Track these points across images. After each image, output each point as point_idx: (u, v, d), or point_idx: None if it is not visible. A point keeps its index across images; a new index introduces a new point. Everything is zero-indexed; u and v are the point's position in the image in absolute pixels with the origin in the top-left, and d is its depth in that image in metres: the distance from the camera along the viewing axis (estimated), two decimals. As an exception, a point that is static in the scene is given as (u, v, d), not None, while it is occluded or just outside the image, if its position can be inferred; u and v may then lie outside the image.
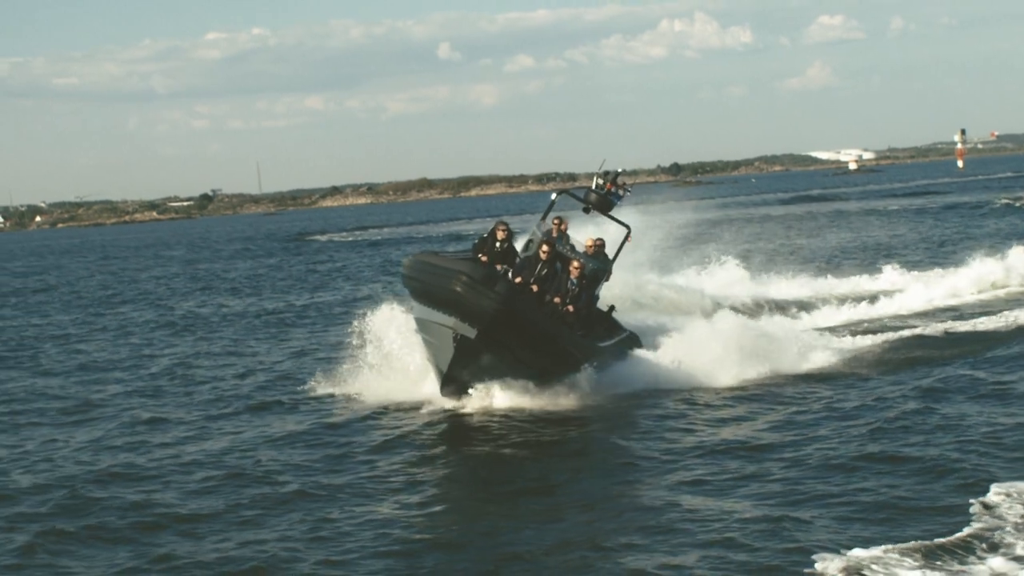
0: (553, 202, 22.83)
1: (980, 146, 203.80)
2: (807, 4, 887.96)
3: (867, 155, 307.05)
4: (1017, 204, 71.90)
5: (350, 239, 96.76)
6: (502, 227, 21.07)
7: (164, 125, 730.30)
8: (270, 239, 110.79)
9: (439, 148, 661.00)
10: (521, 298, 19.10)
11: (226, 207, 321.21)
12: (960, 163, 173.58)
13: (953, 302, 30.18)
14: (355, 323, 22.89)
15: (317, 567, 12.56)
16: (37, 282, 66.55)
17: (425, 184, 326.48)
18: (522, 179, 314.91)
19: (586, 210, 22.61)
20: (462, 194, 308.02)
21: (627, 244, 22.69)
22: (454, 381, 19.39)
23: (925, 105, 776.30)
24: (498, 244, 21.02)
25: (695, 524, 12.99)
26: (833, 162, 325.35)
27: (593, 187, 22.29)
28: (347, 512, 14.40)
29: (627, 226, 22.57)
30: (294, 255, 77.45)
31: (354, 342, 22.49)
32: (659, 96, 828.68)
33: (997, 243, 38.79)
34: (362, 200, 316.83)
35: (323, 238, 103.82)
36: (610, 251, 22.30)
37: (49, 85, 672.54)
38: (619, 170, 22.47)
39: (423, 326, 19.79)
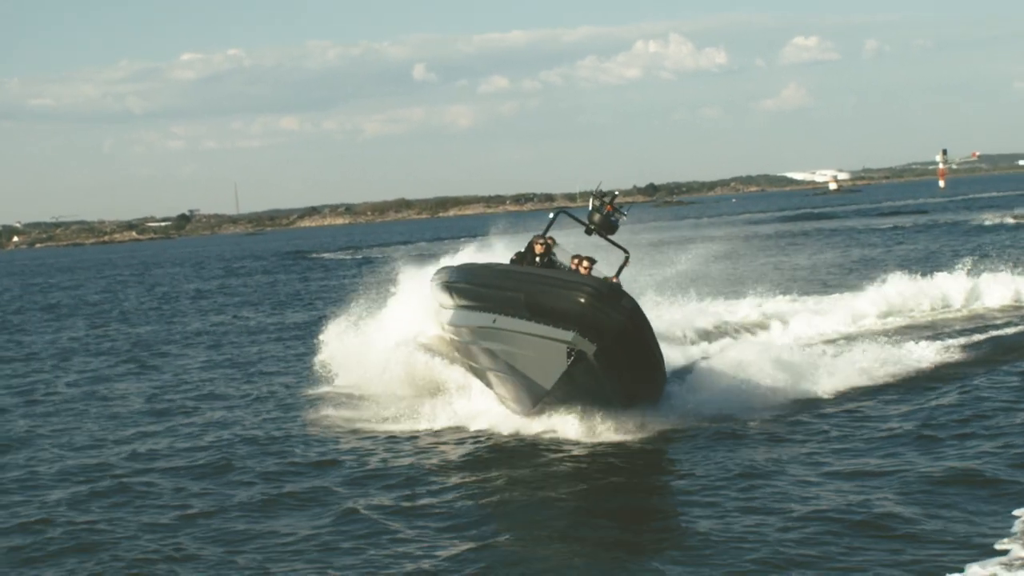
0: (552, 221, 22.13)
1: (955, 166, 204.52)
2: (782, 25, 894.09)
3: (842, 176, 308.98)
4: (1011, 222, 73.30)
5: (350, 257, 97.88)
6: (540, 241, 20.68)
7: (140, 146, 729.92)
8: (276, 256, 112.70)
9: (416, 169, 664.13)
10: (645, 318, 18.15)
11: (204, 227, 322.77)
12: (942, 183, 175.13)
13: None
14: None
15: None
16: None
17: (403, 204, 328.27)
18: (499, 199, 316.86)
19: (588, 231, 21.61)
20: (440, 214, 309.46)
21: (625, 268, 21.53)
22: (552, 397, 18.29)
23: (899, 126, 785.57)
24: (537, 259, 20.55)
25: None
26: (808, 183, 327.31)
27: (590, 208, 21.54)
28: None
29: (625, 250, 21.56)
30: (310, 270, 79.16)
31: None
32: (634, 117, 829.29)
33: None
34: (340, 220, 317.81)
35: (328, 256, 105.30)
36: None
37: (25, 106, 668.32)
38: (616, 192, 21.69)
39: (494, 336, 18.73)
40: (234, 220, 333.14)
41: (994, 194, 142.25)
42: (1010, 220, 75.07)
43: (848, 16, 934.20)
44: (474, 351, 20.04)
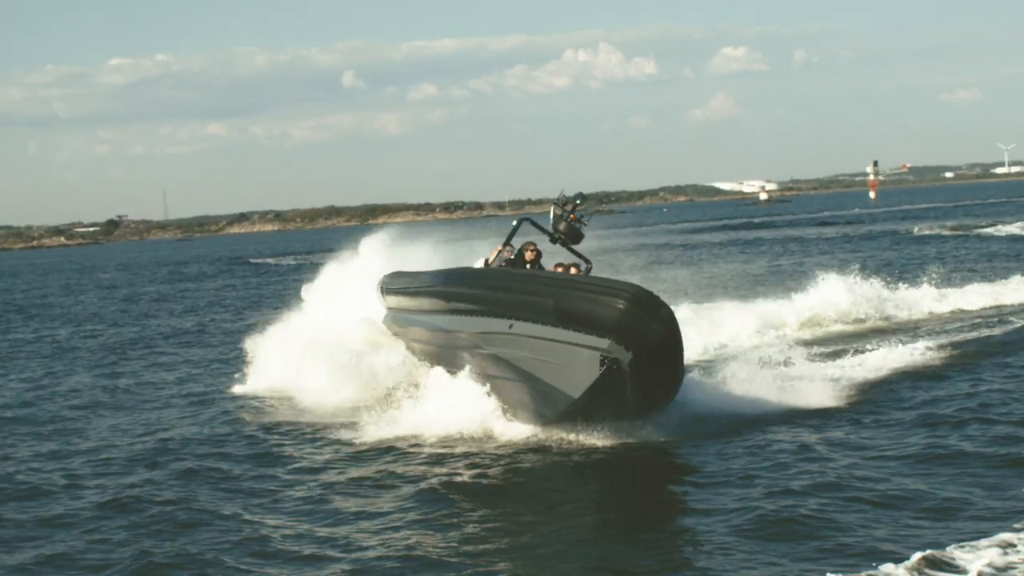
0: (515, 229, 21.61)
1: (882, 178, 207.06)
2: (711, 36, 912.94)
3: (770, 186, 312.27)
4: (945, 233, 74.93)
5: (296, 262, 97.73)
6: (531, 247, 20.37)
7: (66, 151, 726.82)
8: (221, 261, 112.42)
9: (345, 176, 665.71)
10: (679, 327, 17.52)
11: (132, 233, 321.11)
12: (872, 194, 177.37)
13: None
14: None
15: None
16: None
17: (333, 212, 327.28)
18: (429, 207, 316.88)
19: (553, 240, 21.27)
20: (370, 221, 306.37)
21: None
22: (579, 408, 17.51)
23: (827, 137, 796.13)
24: (527, 266, 20.29)
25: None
26: (737, 192, 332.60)
27: (552, 217, 21.20)
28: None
29: (588, 260, 21.41)
30: (264, 274, 79.34)
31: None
32: (563, 126, 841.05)
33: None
34: (269, 227, 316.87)
35: (272, 261, 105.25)
36: None
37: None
38: (578, 200, 21.32)
39: (510, 342, 17.93)
40: (163, 226, 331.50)
41: (925, 205, 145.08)
42: (946, 232, 76.82)
43: (776, 27, 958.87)
44: (470, 356, 19.30)
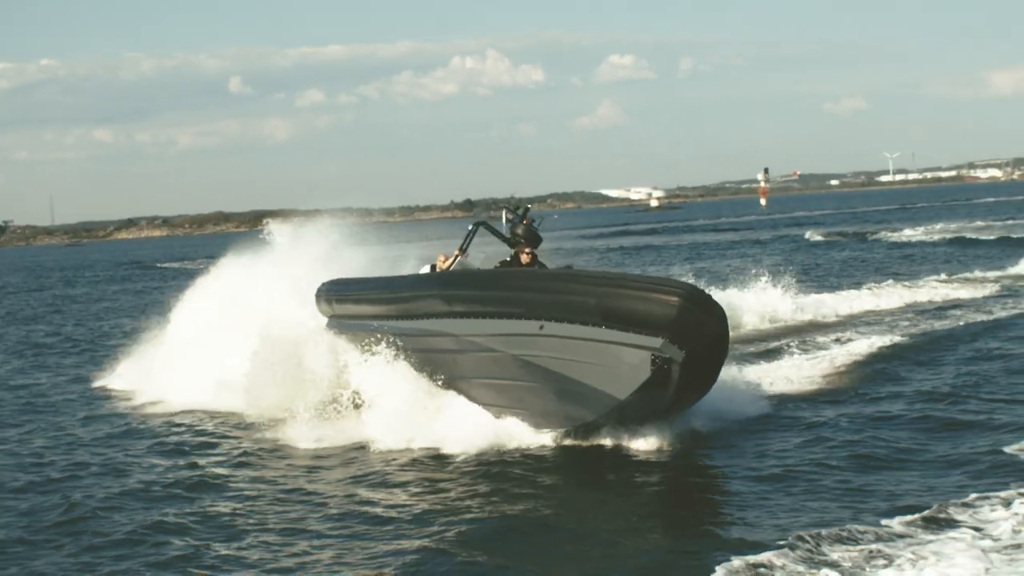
0: (472, 234, 21.53)
1: (772, 185, 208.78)
2: (598, 44, 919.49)
3: (657, 193, 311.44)
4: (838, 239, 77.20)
5: (196, 266, 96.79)
6: (527, 251, 19.96)
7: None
8: (124, 266, 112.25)
9: (233, 182, 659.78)
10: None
11: (19, 238, 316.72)
12: (763, 201, 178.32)
13: None
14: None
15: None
16: None
17: (221, 217, 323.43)
18: (318, 213, 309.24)
19: (512, 245, 20.88)
20: (260, 227, 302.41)
21: None
22: (622, 412, 17.22)
23: (713, 145, 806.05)
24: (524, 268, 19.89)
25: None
26: (624, 199, 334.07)
27: (504, 220, 21.02)
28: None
29: (544, 265, 21.21)
30: (175, 278, 78.16)
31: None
32: (451, 132, 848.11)
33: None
34: (157, 233, 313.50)
35: (176, 265, 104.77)
36: None
37: None
38: (528, 205, 21.19)
39: (539, 344, 17.38)
40: (49, 231, 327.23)
41: (818, 212, 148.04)
42: (838, 237, 79.01)
43: (663, 35, 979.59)
44: (474, 361, 18.67)
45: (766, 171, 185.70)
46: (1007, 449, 15.34)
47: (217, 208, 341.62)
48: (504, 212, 21.06)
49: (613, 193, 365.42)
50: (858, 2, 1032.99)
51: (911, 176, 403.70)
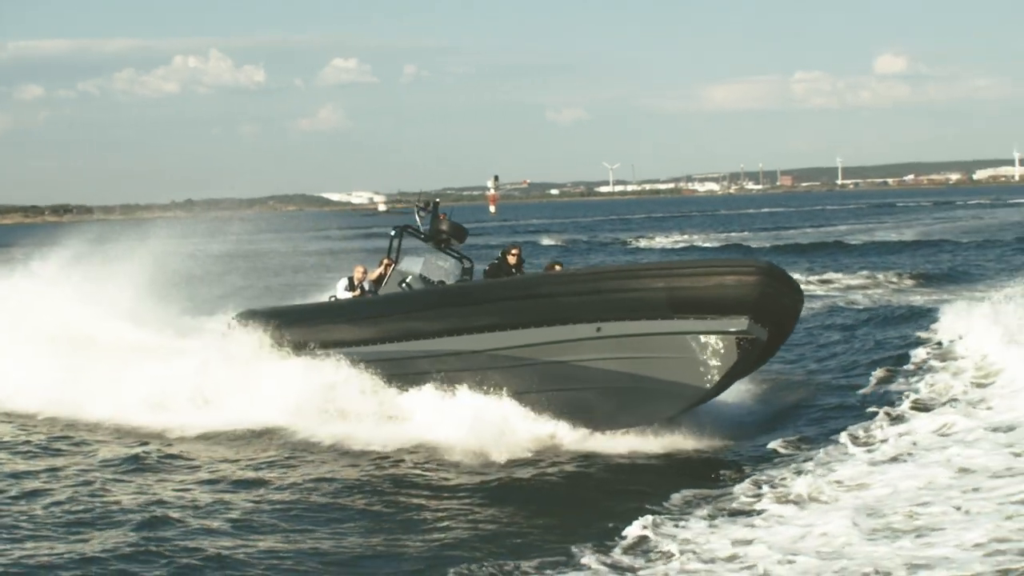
0: (399, 240, 20.72)
1: (498, 192, 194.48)
2: (322, 46, 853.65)
3: (378, 198, 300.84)
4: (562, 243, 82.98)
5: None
6: (514, 251, 19.45)
7: None
8: None
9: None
10: None
11: None
12: (492, 208, 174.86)
13: None
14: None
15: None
16: None
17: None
18: (37, 210, 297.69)
19: (439, 243, 20.67)
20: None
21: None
22: (707, 399, 16.79)
23: (435, 151, 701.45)
24: (513, 271, 19.46)
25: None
26: (346, 204, 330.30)
27: (417, 219, 20.81)
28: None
29: (469, 258, 21.05)
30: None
31: None
32: (172, 131, 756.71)
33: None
34: None
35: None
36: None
37: None
38: (436, 199, 21.06)
39: (596, 348, 16.77)
40: None
41: (545, 220, 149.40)
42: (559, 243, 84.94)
43: (388, 40, 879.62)
44: (498, 374, 17.72)
45: (496, 178, 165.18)
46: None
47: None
48: (416, 210, 20.89)
49: (335, 197, 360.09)
50: (579, 14, 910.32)
51: (630, 188, 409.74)
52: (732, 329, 15.88)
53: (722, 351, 16.00)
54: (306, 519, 14.35)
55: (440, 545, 13.17)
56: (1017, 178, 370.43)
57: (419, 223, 20.63)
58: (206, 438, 19.16)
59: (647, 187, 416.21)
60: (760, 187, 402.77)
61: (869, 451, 15.66)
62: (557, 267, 19.32)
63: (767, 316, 16.07)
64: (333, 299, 21.19)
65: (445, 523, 14.06)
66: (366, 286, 20.87)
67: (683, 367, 16.16)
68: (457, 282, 20.09)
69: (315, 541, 13.47)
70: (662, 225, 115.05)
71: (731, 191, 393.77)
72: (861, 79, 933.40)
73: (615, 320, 16.50)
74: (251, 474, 16.75)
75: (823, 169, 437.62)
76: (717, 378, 16.20)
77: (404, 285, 19.87)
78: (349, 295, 20.93)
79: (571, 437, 17.32)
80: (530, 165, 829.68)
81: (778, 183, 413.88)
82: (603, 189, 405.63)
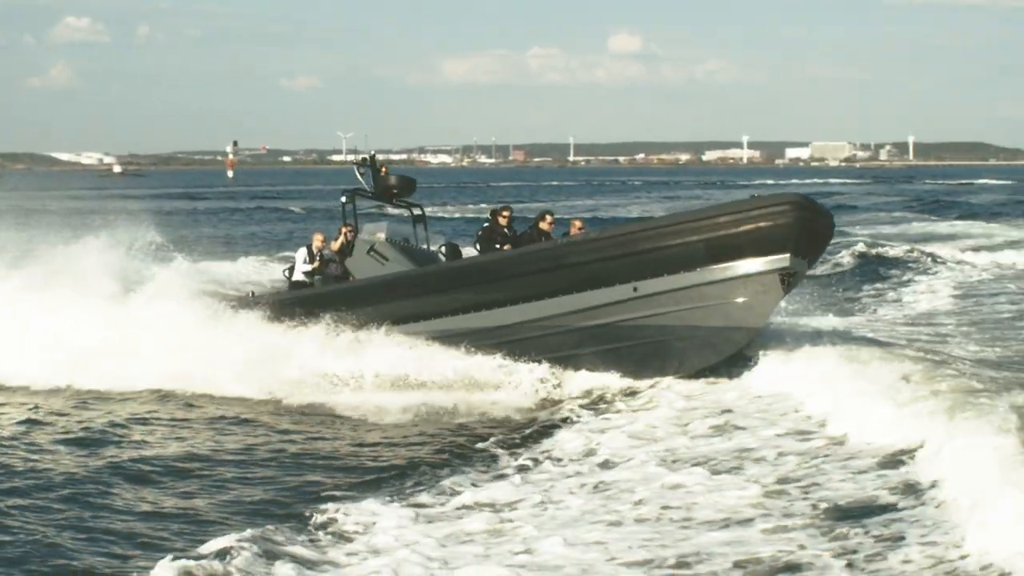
0: (352, 205, 20.20)
1: (236, 157, 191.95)
2: (56, 4, 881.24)
3: (108, 159, 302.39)
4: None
5: None
6: (548, 216, 18.87)
7: None
8: None
9: None
10: None
11: None
12: (230, 173, 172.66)
13: None
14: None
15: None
16: None
17: None
18: None
19: (390, 199, 20.84)
20: None
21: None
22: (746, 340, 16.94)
23: (167, 114, 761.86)
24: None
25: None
26: (76, 164, 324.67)
27: (358, 176, 20.53)
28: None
29: (420, 206, 21.15)
30: None
31: None
32: None
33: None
34: None
35: None
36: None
37: None
38: (372, 152, 20.92)
39: (640, 306, 16.82)
40: None
41: (288, 187, 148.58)
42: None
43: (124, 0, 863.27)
44: (534, 343, 17.53)
45: (235, 144, 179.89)
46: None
47: None
48: (356, 168, 20.68)
49: (64, 156, 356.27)
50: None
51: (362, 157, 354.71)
52: (775, 268, 16.13)
53: (767, 291, 16.22)
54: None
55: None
56: (745, 160, 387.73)
57: (362, 183, 20.41)
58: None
59: (380, 157, 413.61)
60: (493, 161, 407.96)
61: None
62: (577, 223, 18.96)
63: (806, 247, 16.45)
64: (291, 269, 20.68)
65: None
66: (326, 255, 20.17)
67: (729, 311, 16.37)
68: (466, 257, 19.79)
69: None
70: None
71: (463, 164, 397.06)
72: (596, 57, 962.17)
73: (650, 277, 16.68)
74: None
75: (555, 145, 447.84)
76: (766, 316, 16.79)
77: (373, 253, 19.57)
78: (308, 267, 20.19)
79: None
80: (263, 132, 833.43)
81: (511, 157, 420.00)
82: (336, 158, 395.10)
